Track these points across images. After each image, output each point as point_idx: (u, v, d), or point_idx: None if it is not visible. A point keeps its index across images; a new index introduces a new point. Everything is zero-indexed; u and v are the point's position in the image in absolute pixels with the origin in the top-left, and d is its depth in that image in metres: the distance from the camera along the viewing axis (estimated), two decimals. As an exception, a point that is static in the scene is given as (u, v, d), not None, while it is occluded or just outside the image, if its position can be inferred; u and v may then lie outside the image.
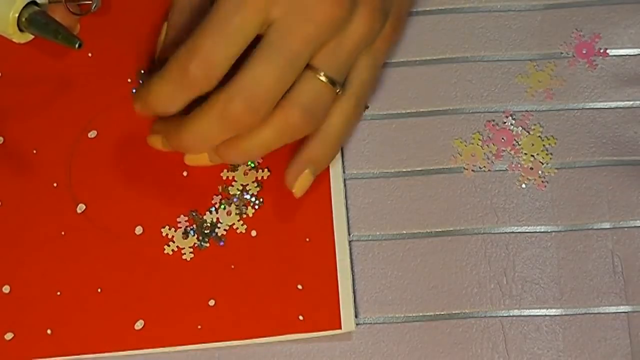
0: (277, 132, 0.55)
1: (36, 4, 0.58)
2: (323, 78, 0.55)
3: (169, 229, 0.60)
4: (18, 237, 0.60)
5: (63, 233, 0.60)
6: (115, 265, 0.59)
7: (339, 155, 0.61)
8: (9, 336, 0.58)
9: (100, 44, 0.63)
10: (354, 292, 0.59)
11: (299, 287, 0.59)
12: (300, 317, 0.58)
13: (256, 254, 0.59)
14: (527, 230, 0.60)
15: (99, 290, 0.59)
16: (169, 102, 0.56)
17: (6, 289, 0.59)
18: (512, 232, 0.60)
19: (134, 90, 0.62)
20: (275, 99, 0.54)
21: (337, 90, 0.56)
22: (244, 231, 0.60)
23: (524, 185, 0.61)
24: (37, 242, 0.59)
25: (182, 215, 0.60)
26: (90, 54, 0.63)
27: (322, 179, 0.60)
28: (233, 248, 0.59)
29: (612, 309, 0.59)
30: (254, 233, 0.60)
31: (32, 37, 0.59)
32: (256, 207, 0.60)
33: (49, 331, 0.58)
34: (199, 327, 0.58)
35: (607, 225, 0.60)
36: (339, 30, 0.55)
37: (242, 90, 0.53)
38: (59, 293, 0.59)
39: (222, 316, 0.58)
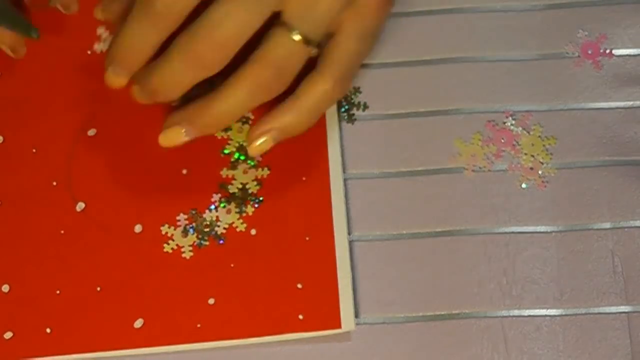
0: (247, 91, 0.54)
1: None
2: (296, 36, 0.54)
3: (169, 227, 0.60)
4: (17, 236, 0.59)
5: (62, 232, 0.60)
6: (115, 263, 0.59)
7: (338, 155, 0.61)
8: (8, 335, 0.58)
9: (99, 41, 0.63)
10: (354, 291, 0.59)
11: (299, 286, 0.59)
12: (300, 317, 0.58)
13: (256, 253, 0.59)
14: (527, 230, 0.60)
15: (99, 288, 0.59)
16: (138, 45, 0.55)
17: (5, 288, 0.59)
18: (512, 232, 0.60)
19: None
20: (240, 40, 0.53)
21: (312, 50, 0.55)
22: (243, 230, 0.60)
23: (524, 185, 0.61)
24: (36, 241, 0.59)
25: (181, 214, 0.60)
26: (89, 52, 0.63)
27: (322, 180, 0.60)
28: (233, 247, 0.59)
29: (612, 309, 0.59)
30: (253, 232, 0.60)
31: None
32: (256, 205, 0.60)
33: (48, 330, 0.58)
34: (199, 325, 0.58)
35: (607, 225, 0.60)
36: None
37: (206, 27, 0.53)
38: (58, 292, 0.58)
39: (221, 315, 0.58)
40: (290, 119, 0.57)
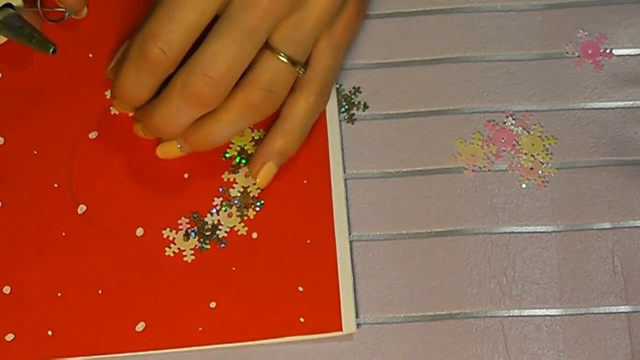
0: (238, 113, 0.56)
1: (12, 7, 0.58)
2: (283, 58, 0.55)
3: (170, 231, 0.60)
4: (19, 238, 0.60)
5: (64, 234, 0.60)
6: (116, 266, 0.59)
7: (338, 155, 0.61)
8: (9, 337, 0.58)
9: (101, 44, 0.63)
10: (354, 292, 0.59)
11: (300, 289, 0.59)
12: (301, 319, 0.58)
13: (257, 256, 0.59)
14: (527, 230, 0.60)
15: (100, 291, 0.59)
16: (137, 88, 0.57)
17: (7, 289, 0.59)
18: (512, 232, 0.60)
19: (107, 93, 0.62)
20: (234, 74, 0.55)
21: (299, 70, 0.57)
22: (245, 233, 0.60)
23: (524, 185, 0.61)
24: (37, 243, 0.59)
25: (183, 217, 0.60)
26: (91, 55, 0.63)
27: (322, 180, 0.60)
28: (234, 250, 0.59)
29: (612, 309, 0.59)
30: (255, 235, 0.60)
31: (6, 39, 0.59)
32: (257, 209, 0.60)
33: (49, 332, 0.58)
34: (200, 329, 0.58)
35: (607, 225, 0.60)
36: (298, 5, 0.55)
37: (200, 66, 0.54)
38: (59, 294, 0.59)
39: (223, 318, 0.58)
40: (283, 141, 0.58)
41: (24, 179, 0.60)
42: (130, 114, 0.61)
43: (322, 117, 0.61)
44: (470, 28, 0.64)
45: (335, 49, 0.58)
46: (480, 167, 0.62)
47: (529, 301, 0.59)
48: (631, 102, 0.62)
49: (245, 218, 0.60)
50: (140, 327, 0.58)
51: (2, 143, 0.61)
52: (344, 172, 0.61)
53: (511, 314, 0.59)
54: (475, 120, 0.62)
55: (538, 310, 0.59)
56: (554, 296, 0.59)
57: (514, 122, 0.62)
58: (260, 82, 0.55)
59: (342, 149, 0.61)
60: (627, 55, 0.63)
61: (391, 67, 0.63)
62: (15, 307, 0.58)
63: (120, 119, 0.61)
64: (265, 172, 0.59)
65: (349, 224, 0.60)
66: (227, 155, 0.61)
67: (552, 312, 0.59)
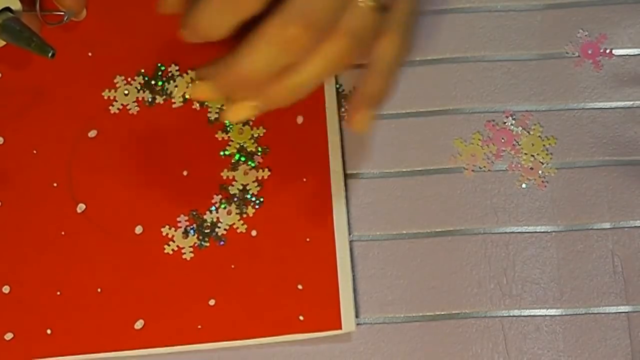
0: (326, 61, 0.53)
1: (11, 11, 0.58)
2: (370, 3, 0.53)
3: (169, 229, 0.60)
4: (18, 237, 0.59)
5: (63, 233, 0.60)
6: (115, 265, 0.59)
7: (338, 155, 0.61)
8: (8, 336, 0.58)
9: (100, 43, 0.63)
10: (354, 292, 0.59)
11: (299, 287, 0.59)
12: (301, 318, 0.58)
13: (256, 254, 0.59)
14: (527, 230, 0.60)
15: (99, 290, 0.59)
16: (218, 24, 0.53)
17: (6, 289, 0.59)
18: (512, 232, 0.60)
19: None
20: (331, 19, 0.52)
21: (383, 15, 0.54)
22: (244, 231, 0.60)
23: (524, 185, 0.61)
24: (37, 242, 0.59)
25: (182, 215, 0.60)
26: (90, 54, 0.63)
27: (322, 179, 0.60)
28: (233, 248, 0.59)
29: (612, 309, 0.59)
30: (254, 233, 0.60)
31: (4, 43, 0.59)
32: (256, 206, 0.60)
33: (48, 331, 0.58)
34: (199, 327, 0.58)
35: (607, 225, 0.60)
36: None
37: (298, 12, 0.51)
38: (59, 293, 0.59)
39: (222, 316, 0.58)
40: (376, 85, 0.56)
41: (23, 178, 0.60)
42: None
43: (321, 116, 0.61)
44: (470, 28, 0.64)
45: None
46: (480, 167, 0.61)
47: (528, 301, 0.59)
48: (631, 102, 0.62)
49: (245, 216, 0.60)
50: (139, 324, 0.58)
51: (1, 142, 0.61)
52: (344, 172, 0.61)
53: (511, 314, 0.59)
54: (475, 120, 0.62)
55: (538, 310, 0.59)
56: (554, 296, 0.59)
57: (514, 122, 0.62)
58: (347, 27, 0.53)
59: (342, 149, 0.61)
60: (627, 55, 0.63)
61: (391, 67, 0.63)
62: (15, 306, 0.58)
63: (119, 117, 0.61)
64: (363, 117, 0.56)
65: (349, 223, 0.60)
66: (227, 152, 0.61)
67: (552, 312, 0.59)
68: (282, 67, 0.53)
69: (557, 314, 0.59)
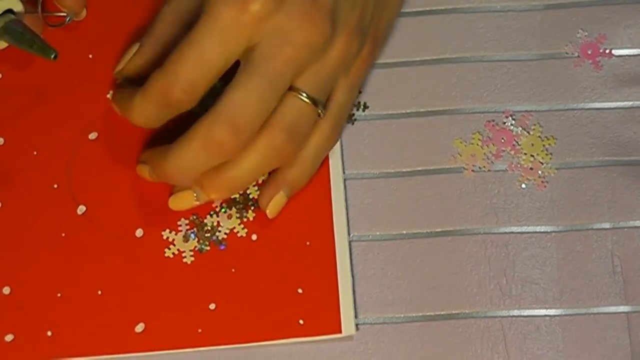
0: (262, 156, 0.55)
1: (13, 12, 0.58)
2: (305, 99, 0.55)
3: (170, 232, 0.60)
4: (18, 239, 0.60)
5: (63, 234, 0.60)
6: (116, 267, 0.59)
7: (338, 157, 0.61)
8: (9, 338, 0.58)
9: (101, 45, 0.63)
10: (353, 292, 0.59)
11: (300, 291, 0.59)
12: (301, 321, 0.58)
13: (257, 258, 0.59)
14: (527, 230, 0.60)
15: (99, 292, 0.59)
16: (150, 120, 0.56)
17: (6, 290, 0.59)
18: (512, 232, 0.60)
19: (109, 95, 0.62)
20: (259, 121, 0.54)
21: (319, 111, 0.56)
22: (244, 235, 0.60)
23: (524, 186, 0.61)
24: (37, 244, 0.59)
25: (182, 219, 0.60)
26: (90, 56, 0.63)
27: (322, 180, 0.60)
28: (233, 252, 0.60)
29: (612, 309, 0.59)
30: (254, 237, 0.60)
31: (7, 45, 0.59)
32: (257, 210, 0.60)
33: (49, 333, 0.58)
34: (200, 330, 0.58)
35: (606, 225, 0.60)
36: (319, 52, 0.55)
37: (225, 115, 0.53)
38: (59, 295, 0.59)
39: (222, 320, 0.58)
40: (294, 173, 0.58)
41: (23, 179, 0.60)
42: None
43: None
44: (470, 28, 0.64)
45: (350, 87, 0.58)
46: (480, 167, 0.61)
47: (528, 301, 0.59)
48: (631, 103, 0.62)
49: (245, 220, 0.60)
50: (139, 328, 0.58)
51: (2, 143, 0.61)
52: (344, 173, 0.61)
53: (511, 314, 0.59)
54: (475, 120, 0.62)
55: (538, 310, 0.59)
56: (554, 296, 0.59)
57: (513, 122, 0.62)
58: (283, 123, 0.54)
59: (342, 149, 0.61)
60: (627, 55, 0.63)
61: (391, 67, 0.63)
62: (15, 307, 0.58)
63: (120, 120, 0.61)
64: (275, 203, 0.58)
65: (348, 224, 0.60)
66: None
67: (552, 312, 0.59)
68: (212, 166, 0.55)
69: (556, 314, 0.59)
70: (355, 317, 0.59)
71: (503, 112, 0.62)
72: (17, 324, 0.58)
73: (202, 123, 0.54)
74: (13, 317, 0.58)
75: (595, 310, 0.59)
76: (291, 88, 0.55)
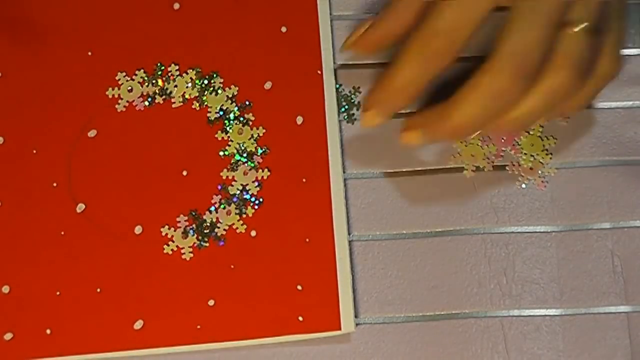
0: (545, 96, 0.53)
1: None
2: (584, 30, 0.53)
3: (169, 229, 0.60)
4: (18, 237, 0.59)
5: (63, 233, 0.60)
6: (115, 265, 0.59)
7: (338, 155, 0.61)
8: (8, 336, 0.58)
9: (100, 42, 0.63)
10: (354, 292, 0.59)
11: (299, 287, 0.59)
12: (300, 318, 0.58)
13: (256, 254, 0.59)
14: (527, 230, 0.60)
15: (99, 290, 0.59)
16: (414, 82, 0.55)
17: (5, 288, 0.59)
18: (512, 232, 0.60)
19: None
20: (541, 62, 0.52)
21: (598, 41, 0.54)
22: (243, 231, 0.60)
23: (524, 186, 0.61)
24: (36, 242, 0.59)
25: (181, 215, 0.60)
26: (90, 53, 0.62)
27: (322, 179, 0.60)
28: (233, 248, 0.59)
29: (612, 309, 0.59)
30: (253, 233, 0.60)
31: None
32: (256, 207, 0.60)
33: (48, 331, 0.58)
34: (199, 327, 0.58)
35: (607, 225, 0.60)
36: None
37: (508, 60, 0.52)
38: (58, 293, 0.58)
39: (221, 316, 0.58)
40: (573, 105, 0.56)
41: (22, 178, 0.60)
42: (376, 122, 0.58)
43: (321, 116, 0.61)
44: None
45: (620, 11, 0.56)
46: (480, 167, 0.61)
47: (528, 301, 0.59)
48: (631, 102, 0.62)
49: (244, 216, 0.60)
50: (138, 325, 0.58)
51: (1, 142, 0.61)
52: (344, 172, 0.61)
53: (511, 314, 0.59)
54: (475, 120, 0.62)
55: (538, 310, 0.59)
56: (554, 296, 0.59)
57: (516, 124, 0.62)
58: (567, 60, 0.52)
59: (342, 149, 0.61)
60: (627, 55, 0.63)
61: (391, 67, 0.63)
62: (14, 306, 0.58)
63: (119, 116, 0.61)
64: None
65: (348, 223, 0.60)
66: (226, 152, 0.61)
67: (552, 312, 0.59)
68: (496, 113, 0.53)
69: (556, 314, 0.59)
70: (356, 316, 0.59)
71: (503, 112, 0.62)
72: (16, 322, 0.58)
73: (485, 72, 0.52)
74: (12, 315, 0.58)
75: (596, 310, 0.59)
76: (566, 23, 0.53)
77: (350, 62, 0.63)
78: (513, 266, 0.60)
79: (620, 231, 0.60)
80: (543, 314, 0.59)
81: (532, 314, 0.59)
